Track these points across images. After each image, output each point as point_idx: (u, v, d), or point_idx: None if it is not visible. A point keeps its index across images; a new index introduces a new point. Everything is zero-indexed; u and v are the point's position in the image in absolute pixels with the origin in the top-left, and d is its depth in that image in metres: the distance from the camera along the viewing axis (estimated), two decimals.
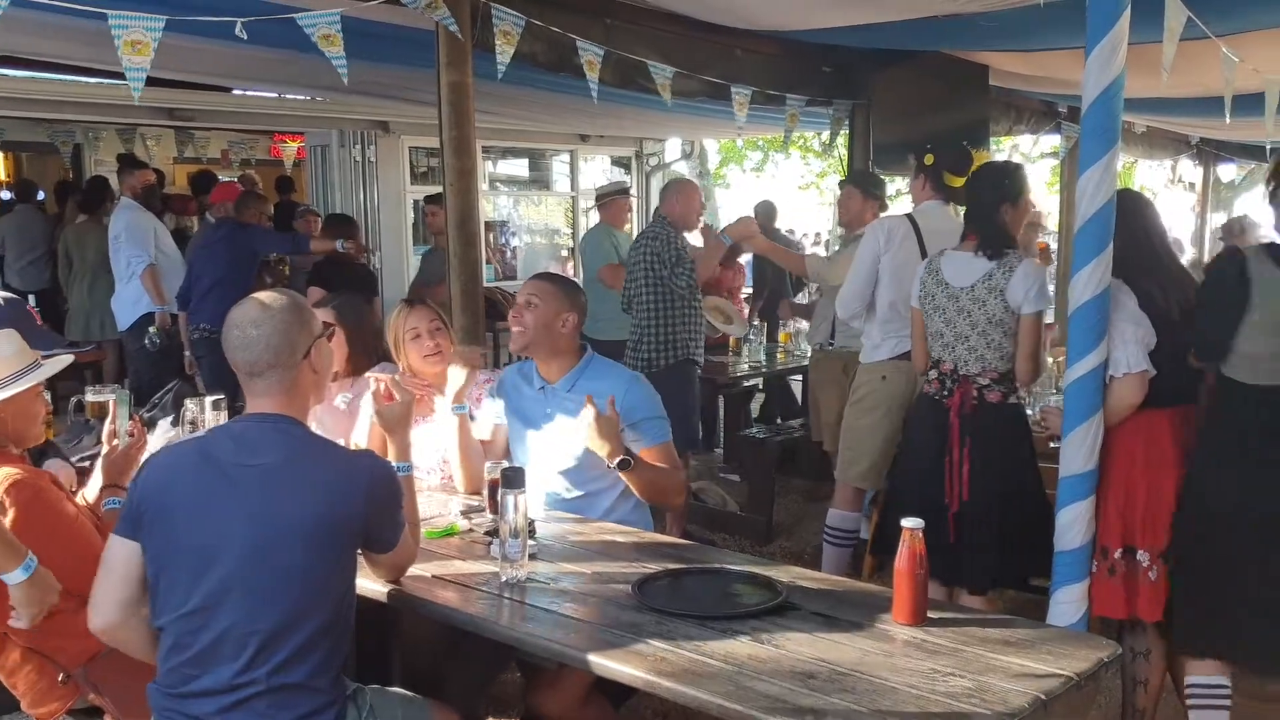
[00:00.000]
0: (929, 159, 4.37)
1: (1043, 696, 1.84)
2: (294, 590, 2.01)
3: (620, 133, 11.08)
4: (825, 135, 8.30)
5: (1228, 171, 16.55)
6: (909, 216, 4.40)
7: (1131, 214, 3.19)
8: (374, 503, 2.15)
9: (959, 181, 4.18)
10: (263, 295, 2.18)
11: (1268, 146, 8.84)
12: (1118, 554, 3.16)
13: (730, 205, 16.61)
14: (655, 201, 11.58)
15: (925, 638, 2.10)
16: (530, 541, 2.53)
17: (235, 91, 8.39)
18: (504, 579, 2.41)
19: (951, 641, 2.08)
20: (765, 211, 8.74)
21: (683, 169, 14.18)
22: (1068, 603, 3.16)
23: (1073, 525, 3.12)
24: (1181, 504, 3.05)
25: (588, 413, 2.79)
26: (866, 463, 4.36)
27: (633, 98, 5.49)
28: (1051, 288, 4.78)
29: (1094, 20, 2.92)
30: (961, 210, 4.17)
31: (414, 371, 3.33)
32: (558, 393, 3.09)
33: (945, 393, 3.51)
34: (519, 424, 3.19)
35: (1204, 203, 15.31)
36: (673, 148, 12.73)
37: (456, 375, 3.12)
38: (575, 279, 5.00)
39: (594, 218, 6.83)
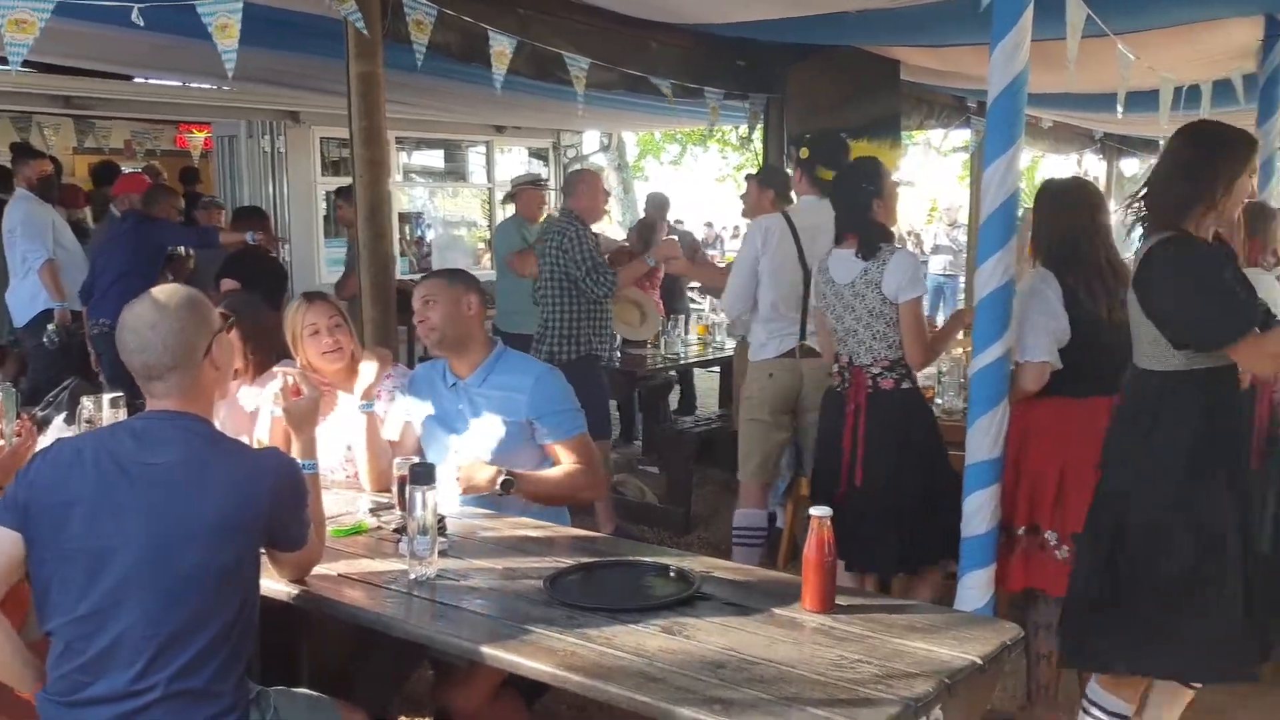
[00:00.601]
0: (804, 152, 4.33)
1: (947, 680, 1.87)
2: (195, 592, 1.95)
3: (538, 124, 11.01)
4: (743, 128, 8.36)
5: (1130, 166, 17.09)
6: (784, 214, 4.37)
7: (1071, 208, 3.26)
8: (279, 501, 2.10)
9: (831, 175, 4.13)
10: (157, 292, 2.09)
11: (1161, 142, 9.10)
12: (1020, 531, 3.27)
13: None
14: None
15: (834, 625, 2.13)
16: (440, 538, 2.50)
17: (137, 80, 8.13)
18: (413, 576, 2.37)
19: (859, 628, 2.11)
20: (656, 204, 8.66)
21: (601, 161, 14.18)
22: (975, 587, 3.22)
23: (979, 511, 3.19)
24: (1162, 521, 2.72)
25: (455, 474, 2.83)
26: (758, 458, 4.39)
27: (550, 89, 5.46)
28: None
29: (998, 17, 2.98)
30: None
31: (313, 368, 3.23)
32: (470, 389, 3.05)
33: (844, 384, 3.62)
34: (432, 422, 3.14)
35: (1106, 194, 15.80)
36: (591, 140, 12.71)
37: (367, 371, 3.07)
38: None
39: (511, 210, 6.76)
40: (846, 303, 3.56)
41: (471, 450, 3.00)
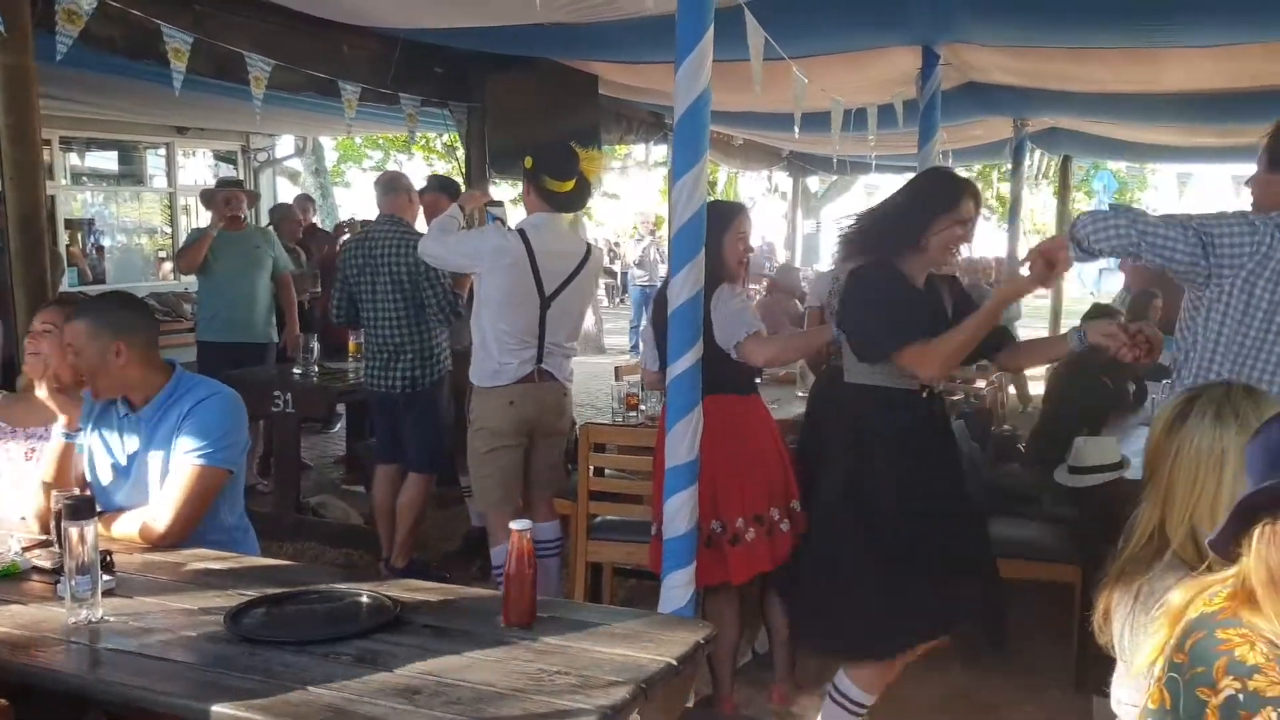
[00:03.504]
0: (528, 162, 4.03)
1: (643, 685, 1.90)
2: None
3: (224, 126, 10.37)
4: (447, 137, 8.25)
5: (814, 182, 18.40)
6: (522, 233, 4.01)
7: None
8: None
9: (565, 187, 4.00)
10: None
11: (834, 159, 9.84)
12: (713, 525, 3.44)
13: (350, 206, 16.08)
14: (276, 198, 11.02)
15: (534, 638, 2.11)
16: (106, 577, 2.27)
17: None
18: (72, 621, 2.14)
19: (560, 640, 2.11)
20: (300, 207, 8.52)
21: (296, 166, 13.58)
22: (677, 587, 3.31)
23: (679, 512, 3.27)
24: (833, 509, 3.19)
25: None
26: (501, 490, 4.15)
27: (234, 90, 5.14)
28: None
29: (681, 37, 3.07)
30: (569, 219, 4.23)
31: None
32: (142, 420, 2.80)
33: None
34: (105, 451, 2.86)
35: (794, 210, 16.91)
36: (286, 144, 12.15)
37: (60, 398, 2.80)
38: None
39: (203, 216, 6.37)
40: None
41: (137, 485, 2.77)
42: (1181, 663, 1.44)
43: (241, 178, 10.63)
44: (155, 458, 2.74)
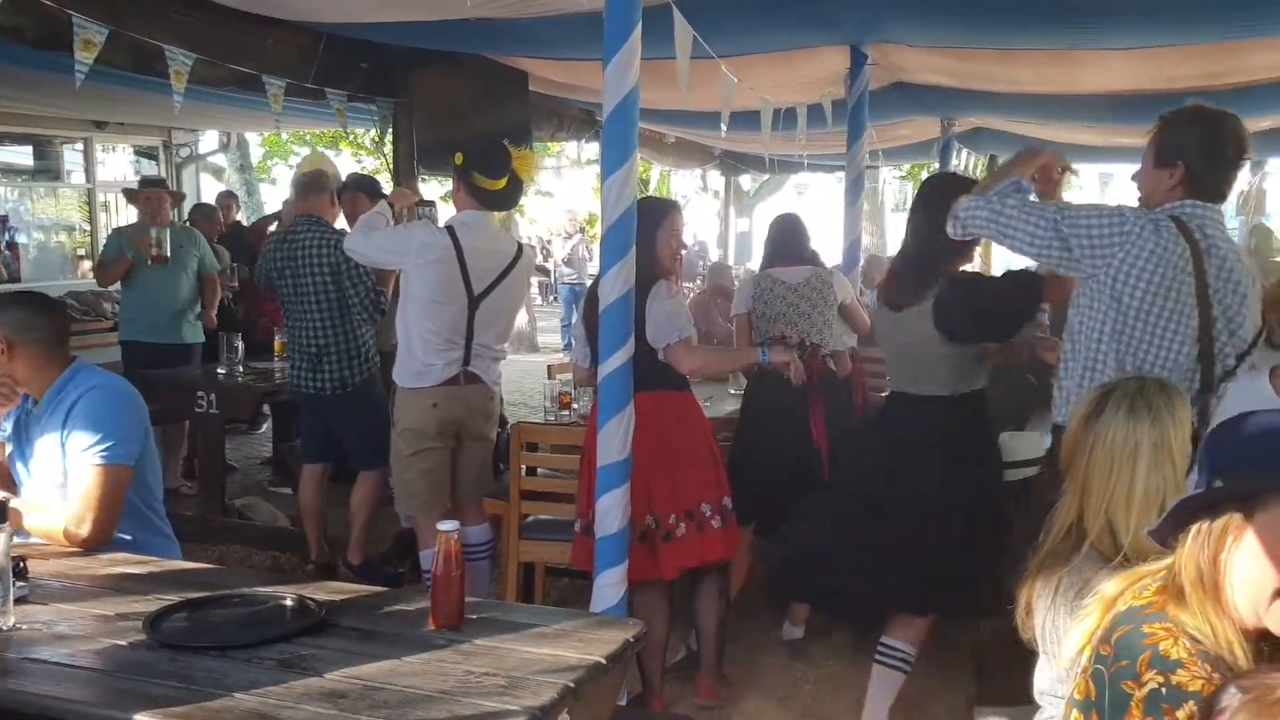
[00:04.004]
0: (459, 158, 3.96)
1: (571, 685, 1.89)
2: None
3: (145, 120, 10.10)
4: (375, 132, 8.15)
5: (747, 181, 18.51)
6: (451, 230, 3.95)
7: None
8: None
9: (496, 185, 3.95)
10: None
11: (766, 158, 9.90)
12: (647, 520, 3.47)
13: (276, 203, 15.78)
14: (200, 196, 10.78)
15: (462, 640, 2.09)
16: (19, 583, 2.21)
17: None
18: None
19: (488, 641, 2.09)
20: (223, 204, 8.38)
21: (221, 162, 13.30)
22: (609, 585, 3.31)
23: (610, 511, 3.28)
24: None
25: None
26: (427, 492, 4.08)
27: (153, 83, 5.01)
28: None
29: (610, 34, 3.07)
30: (500, 217, 4.20)
31: None
32: (43, 413, 2.74)
33: None
34: (18, 447, 2.84)
35: (727, 209, 17.02)
36: (210, 139, 11.90)
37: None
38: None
39: (126, 213, 6.23)
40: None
41: (38, 482, 2.71)
42: (1107, 655, 1.47)
43: (164, 175, 10.38)
44: (47, 448, 2.70)
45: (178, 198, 6.92)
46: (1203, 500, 1.46)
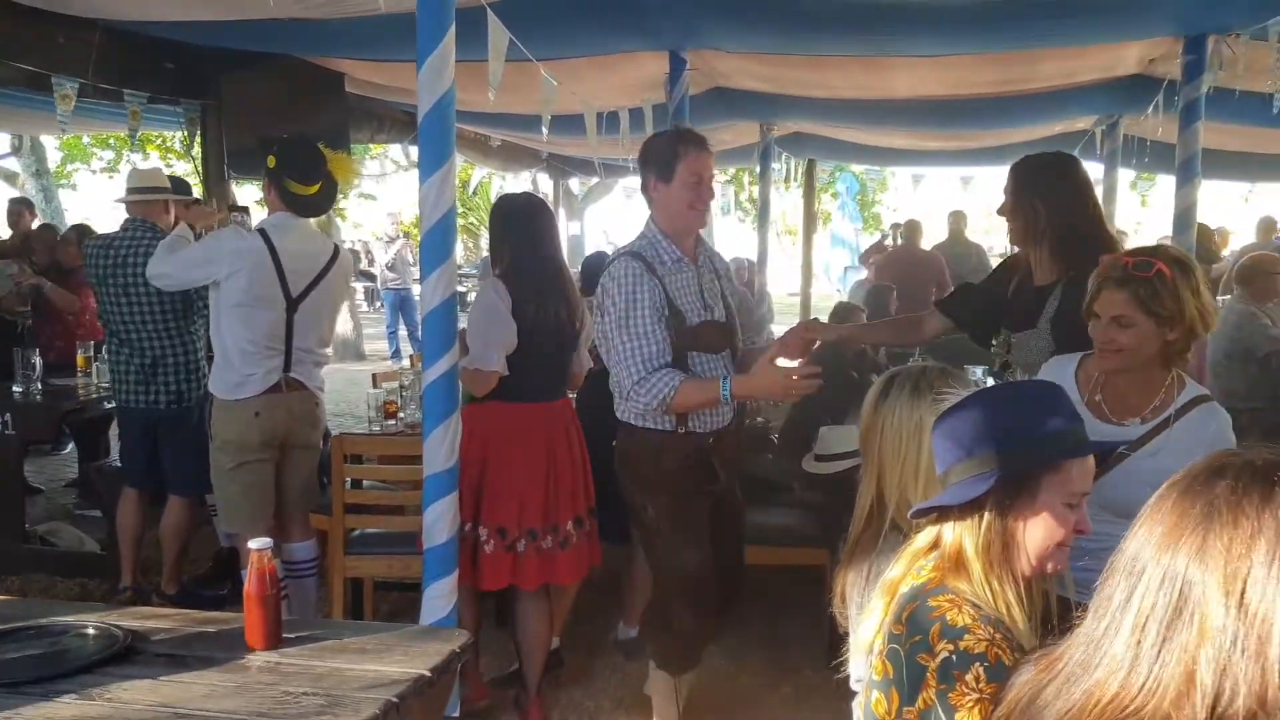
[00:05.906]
0: (271, 160, 3.85)
1: (394, 699, 1.85)
2: None
3: None
4: (183, 134, 7.79)
5: (576, 184, 18.55)
6: (264, 233, 3.84)
7: (519, 221, 3.53)
8: None
9: (309, 190, 3.85)
10: None
11: (596, 161, 9.96)
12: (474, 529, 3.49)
13: (79, 210, 14.90)
14: None
15: (280, 661, 2.03)
16: None
17: None
18: None
19: (306, 660, 2.03)
20: (15, 212, 7.96)
21: (14, 166, 12.44)
22: (438, 597, 3.25)
23: (438, 522, 3.23)
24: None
25: None
26: (250, 507, 3.91)
27: None
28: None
29: (423, 35, 3.03)
30: (313, 222, 4.09)
31: None
32: None
33: None
34: None
35: (557, 212, 17.01)
36: (1, 142, 11.13)
37: None
38: None
39: None
40: None
41: None
42: (900, 633, 1.55)
43: None
44: None
45: None
46: (935, 508, 1.63)
